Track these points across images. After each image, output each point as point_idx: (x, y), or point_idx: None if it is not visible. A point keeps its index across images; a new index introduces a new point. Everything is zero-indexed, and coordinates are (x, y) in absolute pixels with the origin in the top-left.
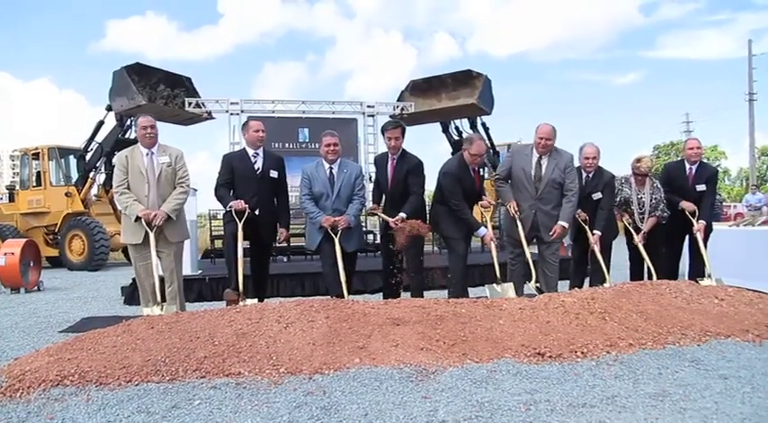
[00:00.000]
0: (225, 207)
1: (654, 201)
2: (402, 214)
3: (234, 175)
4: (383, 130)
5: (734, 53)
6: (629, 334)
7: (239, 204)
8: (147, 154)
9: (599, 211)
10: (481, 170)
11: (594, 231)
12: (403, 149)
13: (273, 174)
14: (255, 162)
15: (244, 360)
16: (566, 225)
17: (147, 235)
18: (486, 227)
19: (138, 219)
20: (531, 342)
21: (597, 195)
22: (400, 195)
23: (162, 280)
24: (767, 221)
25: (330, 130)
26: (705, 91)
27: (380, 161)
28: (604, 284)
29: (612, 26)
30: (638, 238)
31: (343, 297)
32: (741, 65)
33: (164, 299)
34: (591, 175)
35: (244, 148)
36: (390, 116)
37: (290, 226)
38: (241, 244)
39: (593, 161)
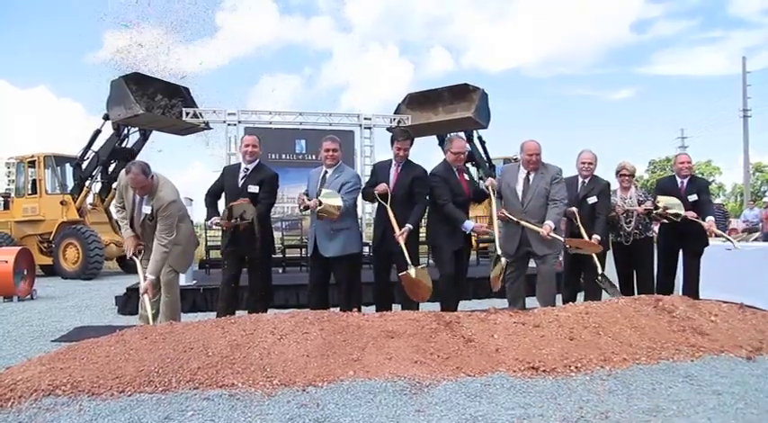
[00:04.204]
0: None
1: (641, 199)
2: (409, 226)
3: (224, 187)
4: (393, 139)
5: (727, 70)
6: (624, 349)
7: (225, 223)
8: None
9: (598, 219)
10: (466, 175)
11: (594, 235)
12: (407, 158)
13: (253, 189)
14: (242, 177)
15: (237, 371)
16: (551, 224)
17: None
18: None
19: None
20: (525, 356)
21: (592, 199)
22: (401, 201)
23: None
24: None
25: (332, 135)
26: (700, 107)
27: (381, 167)
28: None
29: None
30: (648, 205)
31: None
32: (734, 81)
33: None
34: (587, 181)
35: (240, 162)
36: (388, 129)
37: (285, 237)
38: None
39: (590, 166)
